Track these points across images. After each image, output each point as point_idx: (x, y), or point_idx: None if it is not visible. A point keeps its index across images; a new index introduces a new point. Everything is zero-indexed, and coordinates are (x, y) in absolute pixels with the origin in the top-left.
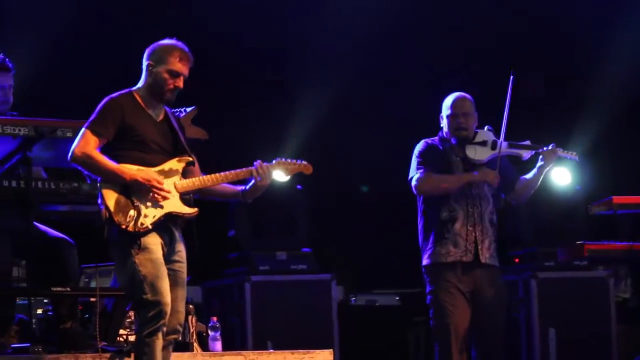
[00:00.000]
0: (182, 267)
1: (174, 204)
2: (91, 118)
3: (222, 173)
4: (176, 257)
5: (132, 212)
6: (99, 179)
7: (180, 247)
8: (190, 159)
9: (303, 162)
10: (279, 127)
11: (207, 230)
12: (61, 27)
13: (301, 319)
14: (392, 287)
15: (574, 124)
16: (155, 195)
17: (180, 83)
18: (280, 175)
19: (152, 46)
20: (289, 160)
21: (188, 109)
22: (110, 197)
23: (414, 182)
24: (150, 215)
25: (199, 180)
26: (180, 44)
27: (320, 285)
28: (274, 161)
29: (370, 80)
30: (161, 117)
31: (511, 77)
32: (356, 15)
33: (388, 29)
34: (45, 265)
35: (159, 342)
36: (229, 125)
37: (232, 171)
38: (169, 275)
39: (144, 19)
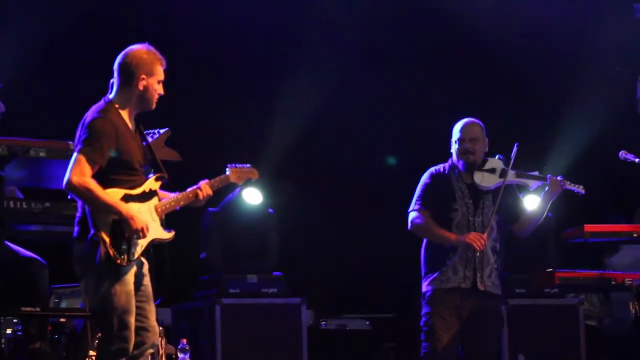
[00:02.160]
0: (149, 284)
1: (156, 230)
2: (85, 141)
3: (189, 190)
4: (145, 277)
5: (124, 244)
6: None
7: (146, 265)
8: (166, 177)
9: (250, 166)
10: (252, 146)
11: (178, 252)
12: (35, 45)
13: (271, 343)
14: (362, 311)
15: (547, 151)
16: (141, 235)
17: (162, 90)
18: (248, 193)
19: (134, 55)
20: (238, 166)
21: (161, 131)
22: (104, 228)
23: (409, 218)
24: (139, 245)
25: (174, 200)
26: (156, 50)
27: (291, 309)
28: (227, 170)
29: (349, 99)
30: (134, 128)
31: (514, 149)
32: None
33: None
34: (16, 285)
35: None
36: (202, 139)
37: (189, 190)
38: (141, 294)
39: (114, 33)
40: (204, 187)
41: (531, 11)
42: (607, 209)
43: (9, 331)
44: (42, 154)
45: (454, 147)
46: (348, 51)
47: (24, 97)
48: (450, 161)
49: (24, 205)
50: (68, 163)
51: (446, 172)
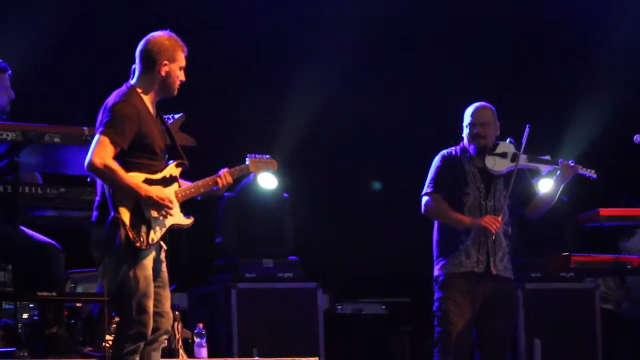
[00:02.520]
0: (165, 270)
1: (176, 216)
2: (108, 123)
3: (208, 178)
4: (163, 263)
5: (144, 228)
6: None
7: (163, 253)
8: (187, 163)
9: (269, 157)
10: (266, 131)
11: (194, 236)
12: (47, 33)
13: (287, 327)
14: (378, 296)
15: (562, 135)
16: (166, 212)
17: (184, 77)
18: (263, 177)
19: (155, 42)
20: (258, 157)
21: (176, 116)
22: (124, 211)
23: (422, 202)
24: (158, 229)
25: (194, 187)
26: (178, 37)
27: (307, 293)
28: (247, 160)
29: (361, 85)
30: (155, 113)
31: (526, 130)
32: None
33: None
34: (32, 270)
35: None
36: (216, 127)
37: (208, 178)
38: (158, 280)
39: (129, 23)
40: (224, 175)
41: None
42: (622, 192)
43: (25, 316)
44: (56, 140)
45: (465, 131)
46: (364, 35)
47: (38, 82)
48: (461, 145)
49: (39, 191)
50: (83, 149)
51: (458, 155)
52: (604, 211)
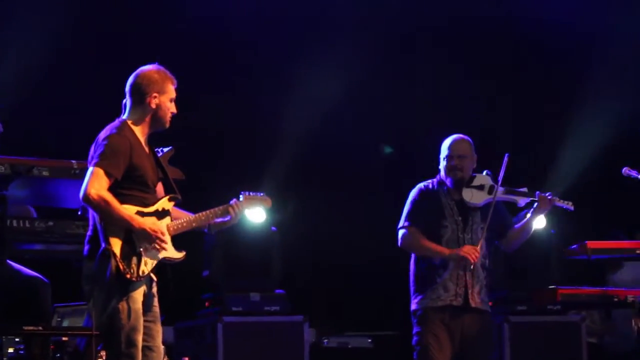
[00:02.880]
0: (157, 305)
1: (168, 249)
2: (102, 155)
3: (204, 212)
4: (154, 298)
5: (135, 259)
6: (97, 217)
7: (154, 287)
8: (179, 198)
9: (263, 194)
10: (255, 164)
11: (181, 269)
12: (37, 63)
13: None
14: (364, 329)
15: (550, 167)
16: (158, 245)
17: (175, 109)
18: (253, 212)
19: (144, 75)
20: (252, 194)
21: (165, 149)
22: (116, 242)
23: (399, 236)
24: (149, 262)
25: (187, 221)
26: (166, 69)
27: (293, 326)
28: (241, 197)
29: (350, 116)
30: (147, 148)
31: (505, 159)
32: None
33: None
34: (18, 304)
35: None
36: (205, 161)
37: (213, 209)
38: (149, 314)
39: (117, 56)
40: (237, 204)
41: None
42: (609, 225)
43: (11, 350)
44: (45, 173)
45: (442, 164)
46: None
47: (26, 116)
48: (438, 177)
49: (27, 224)
50: (72, 182)
51: (435, 188)
52: (592, 244)
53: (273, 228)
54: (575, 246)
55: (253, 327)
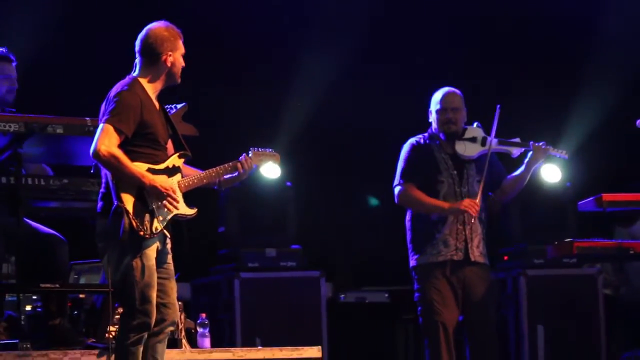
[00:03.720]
0: (171, 261)
1: (180, 206)
2: (112, 112)
3: (214, 168)
4: (168, 254)
5: (147, 217)
6: (110, 174)
7: (169, 244)
8: (190, 154)
9: (272, 150)
10: (268, 120)
11: (196, 226)
12: (49, 24)
13: (290, 316)
14: (381, 284)
15: (564, 120)
16: (169, 203)
17: (184, 62)
18: (264, 168)
19: (155, 34)
20: (261, 150)
21: (178, 106)
22: (128, 199)
23: (395, 193)
24: (162, 219)
25: (197, 177)
26: (173, 24)
27: (309, 282)
28: (250, 152)
29: (364, 75)
30: (158, 105)
31: (497, 111)
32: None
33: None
34: (35, 262)
35: (141, 350)
36: (219, 117)
37: (222, 165)
38: (163, 271)
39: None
40: (247, 160)
41: None
42: (624, 178)
43: (28, 308)
44: (59, 131)
45: (434, 117)
46: (371, 19)
47: (41, 73)
48: (429, 131)
49: (42, 182)
50: (86, 139)
51: (427, 142)
52: (607, 196)
53: (288, 183)
54: (590, 199)
55: (270, 282)
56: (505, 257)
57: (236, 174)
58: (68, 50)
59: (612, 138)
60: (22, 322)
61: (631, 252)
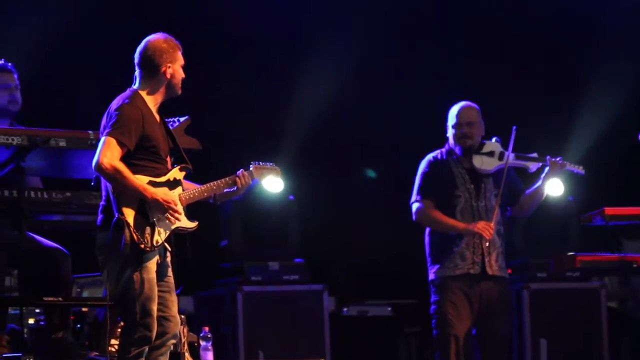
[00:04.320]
0: (171, 274)
1: (181, 219)
2: (114, 125)
3: (214, 182)
4: (169, 267)
5: (148, 230)
6: (111, 187)
7: (170, 257)
8: (191, 168)
9: (272, 164)
10: (270, 133)
11: (199, 239)
12: (51, 37)
13: (293, 329)
14: (384, 297)
15: (567, 134)
16: (170, 215)
17: (183, 74)
18: (266, 181)
19: (154, 46)
20: (262, 164)
21: (181, 119)
22: (129, 212)
23: (412, 210)
24: (163, 232)
25: (198, 191)
26: (171, 36)
27: (312, 295)
28: (250, 166)
29: (366, 87)
30: (158, 117)
31: (512, 134)
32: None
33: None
34: (38, 275)
35: None
36: (222, 131)
37: (221, 180)
38: (164, 284)
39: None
40: (243, 175)
41: None
42: (626, 192)
43: (31, 321)
44: (62, 144)
45: (451, 132)
46: (371, 29)
47: (43, 87)
48: (446, 146)
49: (45, 195)
50: (88, 152)
51: (444, 157)
52: (609, 210)
53: (291, 197)
54: (593, 212)
55: (273, 296)
56: (509, 271)
57: (234, 188)
58: (70, 64)
59: (615, 152)
60: (25, 335)
61: (634, 265)
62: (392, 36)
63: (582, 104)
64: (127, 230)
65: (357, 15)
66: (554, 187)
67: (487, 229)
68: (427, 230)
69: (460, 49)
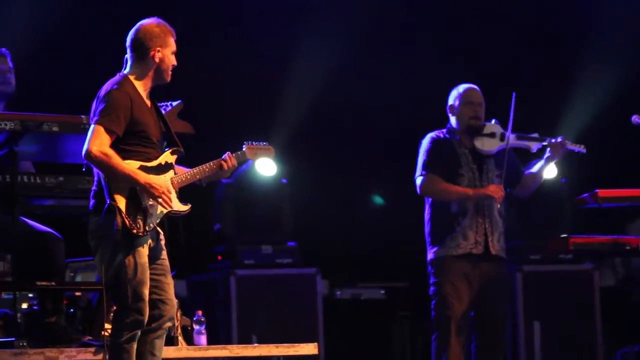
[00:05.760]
0: (166, 257)
1: (173, 203)
2: (102, 112)
3: (205, 165)
4: (162, 251)
5: (140, 214)
6: (103, 175)
7: (163, 239)
8: (182, 151)
9: (266, 144)
10: (265, 117)
11: (192, 223)
12: (44, 21)
13: (286, 313)
14: (377, 280)
15: (560, 115)
16: (162, 200)
17: (175, 61)
18: (259, 162)
19: (145, 29)
20: (255, 144)
21: (174, 103)
22: (120, 198)
23: (417, 183)
24: (155, 216)
25: (190, 174)
26: (165, 22)
27: (306, 279)
28: (244, 147)
29: (360, 71)
30: (149, 102)
31: (513, 100)
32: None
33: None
34: (31, 260)
35: (135, 347)
36: (214, 114)
37: (209, 163)
38: (158, 267)
39: (126, 11)
40: (230, 158)
41: None
42: (619, 174)
43: (24, 306)
44: (55, 129)
45: (457, 112)
46: (368, 13)
47: (36, 72)
48: (448, 126)
49: (38, 180)
50: (81, 137)
51: (448, 137)
52: (602, 192)
53: (283, 180)
54: (585, 195)
55: (266, 279)
56: None
57: (221, 171)
58: (63, 48)
59: (608, 134)
60: (19, 320)
61: (627, 247)
62: (386, 22)
63: (576, 86)
64: (118, 216)
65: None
66: (547, 170)
67: (498, 191)
68: (428, 209)
69: (454, 38)
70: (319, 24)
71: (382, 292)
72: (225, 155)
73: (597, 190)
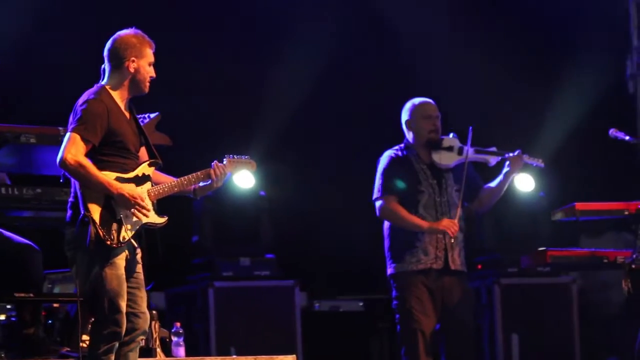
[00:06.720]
0: (141, 271)
1: (149, 214)
2: (79, 121)
3: (186, 177)
4: (138, 264)
5: (115, 226)
6: (77, 183)
7: (139, 253)
8: (160, 162)
9: (248, 158)
10: (243, 129)
11: (170, 235)
12: (19, 32)
13: (264, 325)
14: (356, 293)
15: (537, 130)
16: (137, 211)
17: (154, 73)
18: (239, 176)
19: (122, 39)
20: (236, 157)
21: (152, 115)
22: (95, 208)
23: (376, 206)
24: (130, 228)
25: (168, 186)
26: (144, 33)
27: (284, 291)
28: (224, 160)
29: (338, 83)
30: (128, 114)
31: (470, 132)
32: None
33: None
34: (9, 271)
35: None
36: (193, 126)
37: (194, 174)
38: (133, 281)
39: (103, 23)
40: (217, 166)
41: None
42: (597, 187)
43: (2, 317)
44: (32, 140)
45: (415, 127)
46: (346, 23)
47: (13, 83)
48: (405, 142)
49: (16, 192)
50: (58, 149)
51: (405, 153)
52: (580, 205)
53: (262, 193)
54: (563, 208)
55: (244, 291)
56: (479, 266)
57: (209, 181)
58: (40, 59)
59: (586, 147)
60: None
61: (605, 260)
62: (364, 31)
63: (553, 99)
64: (92, 227)
65: (332, 8)
66: (524, 183)
67: (451, 226)
68: (388, 224)
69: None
70: (297, 37)
71: (361, 304)
72: (213, 164)
73: (574, 204)
